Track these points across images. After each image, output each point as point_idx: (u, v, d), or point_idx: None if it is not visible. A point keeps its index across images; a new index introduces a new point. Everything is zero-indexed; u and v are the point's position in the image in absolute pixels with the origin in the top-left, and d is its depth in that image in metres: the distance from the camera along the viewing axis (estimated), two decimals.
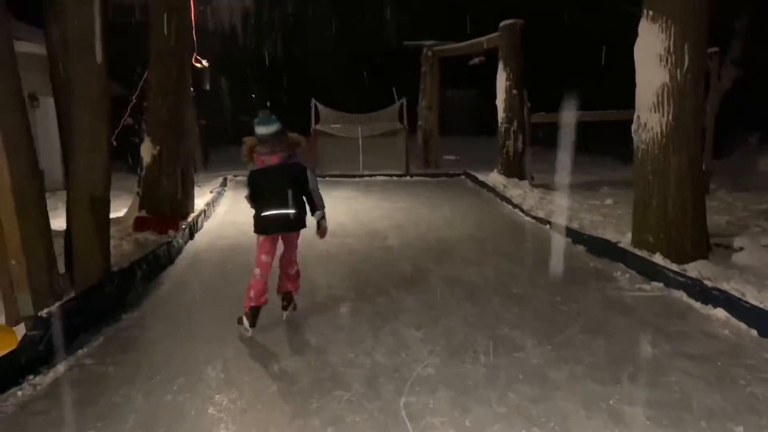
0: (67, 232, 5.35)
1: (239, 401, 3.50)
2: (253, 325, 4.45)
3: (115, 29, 15.47)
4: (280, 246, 4.67)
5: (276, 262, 4.68)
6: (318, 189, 4.59)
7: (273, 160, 4.40)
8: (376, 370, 3.88)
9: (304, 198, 4.55)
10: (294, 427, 3.21)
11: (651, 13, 5.88)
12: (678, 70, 5.75)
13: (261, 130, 4.37)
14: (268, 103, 25.92)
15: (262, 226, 4.50)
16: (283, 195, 4.40)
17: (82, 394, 3.61)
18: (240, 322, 4.53)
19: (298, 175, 4.48)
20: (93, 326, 4.60)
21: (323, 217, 4.58)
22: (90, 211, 5.00)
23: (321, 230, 4.59)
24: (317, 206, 4.57)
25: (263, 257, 4.52)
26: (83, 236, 5.02)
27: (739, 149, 14.06)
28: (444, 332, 4.51)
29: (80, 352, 4.22)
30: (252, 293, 4.46)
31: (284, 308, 4.88)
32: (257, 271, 4.50)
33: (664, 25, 5.75)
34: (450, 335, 4.45)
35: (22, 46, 9.12)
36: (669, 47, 5.74)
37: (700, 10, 5.75)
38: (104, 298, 4.88)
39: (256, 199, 4.52)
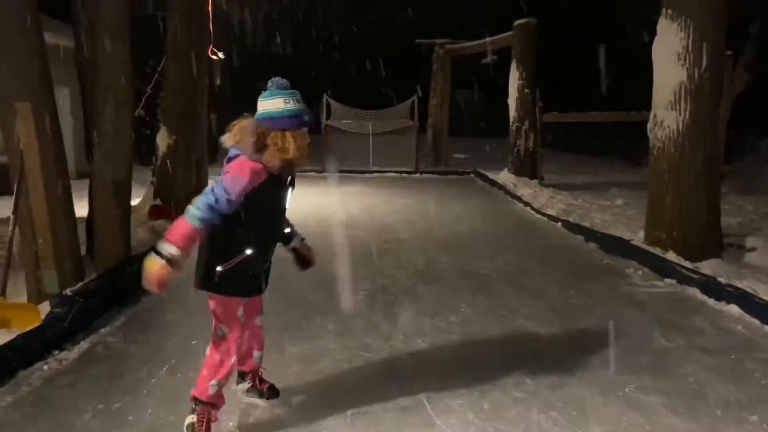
0: (90, 216, 5.42)
1: None
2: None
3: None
4: None
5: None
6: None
7: None
8: (394, 354, 3.95)
9: None
10: (318, 404, 3.27)
11: (670, 11, 5.93)
12: (696, 69, 5.79)
13: None
14: None
15: None
16: None
17: (106, 370, 3.67)
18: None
19: None
20: (114, 306, 4.68)
21: None
22: (113, 195, 5.08)
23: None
24: None
25: None
26: (105, 219, 5.10)
27: (750, 153, 14.07)
28: (460, 321, 4.57)
29: (103, 330, 4.29)
30: None
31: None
32: None
33: (683, 24, 5.80)
34: (465, 324, 4.51)
35: (45, 37, 9.22)
36: (687, 46, 5.79)
37: (719, 10, 5.79)
38: (125, 279, 4.95)
39: None
